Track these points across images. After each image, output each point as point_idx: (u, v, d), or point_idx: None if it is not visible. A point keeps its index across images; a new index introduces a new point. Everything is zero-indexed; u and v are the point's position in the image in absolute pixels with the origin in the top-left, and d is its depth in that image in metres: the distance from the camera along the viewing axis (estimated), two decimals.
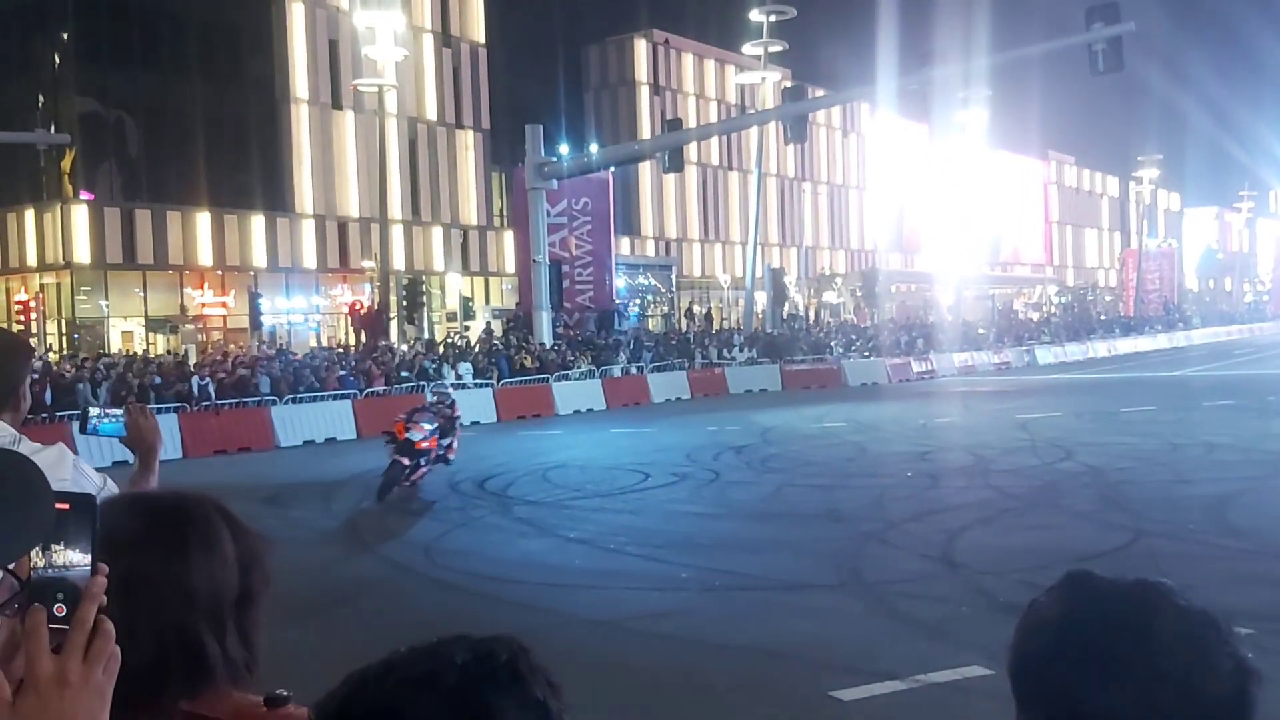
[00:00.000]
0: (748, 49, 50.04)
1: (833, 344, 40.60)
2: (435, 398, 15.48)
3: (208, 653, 1.29)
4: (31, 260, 40.65)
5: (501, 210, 52.79)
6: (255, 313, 37.15)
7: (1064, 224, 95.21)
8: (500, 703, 1.02)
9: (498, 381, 27.62)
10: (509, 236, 47.17)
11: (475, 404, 24.74)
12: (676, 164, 33.67)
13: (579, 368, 30.69)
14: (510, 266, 47.01)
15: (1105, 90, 75.56)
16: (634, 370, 32.38)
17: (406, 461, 13.86)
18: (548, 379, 28.64)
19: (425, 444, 14.04)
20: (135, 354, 31.29)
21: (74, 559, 1.04)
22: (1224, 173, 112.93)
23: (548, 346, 31.91)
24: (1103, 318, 67.68)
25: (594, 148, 46.40)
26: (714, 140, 60.90)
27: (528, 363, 29.64)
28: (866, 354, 39.59)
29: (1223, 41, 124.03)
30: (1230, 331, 67.20)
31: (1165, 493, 12.88)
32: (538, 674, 1.06)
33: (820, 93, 44.87)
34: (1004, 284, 75.10)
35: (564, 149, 41.01)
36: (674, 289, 56.15)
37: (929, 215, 73.42)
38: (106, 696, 1.03)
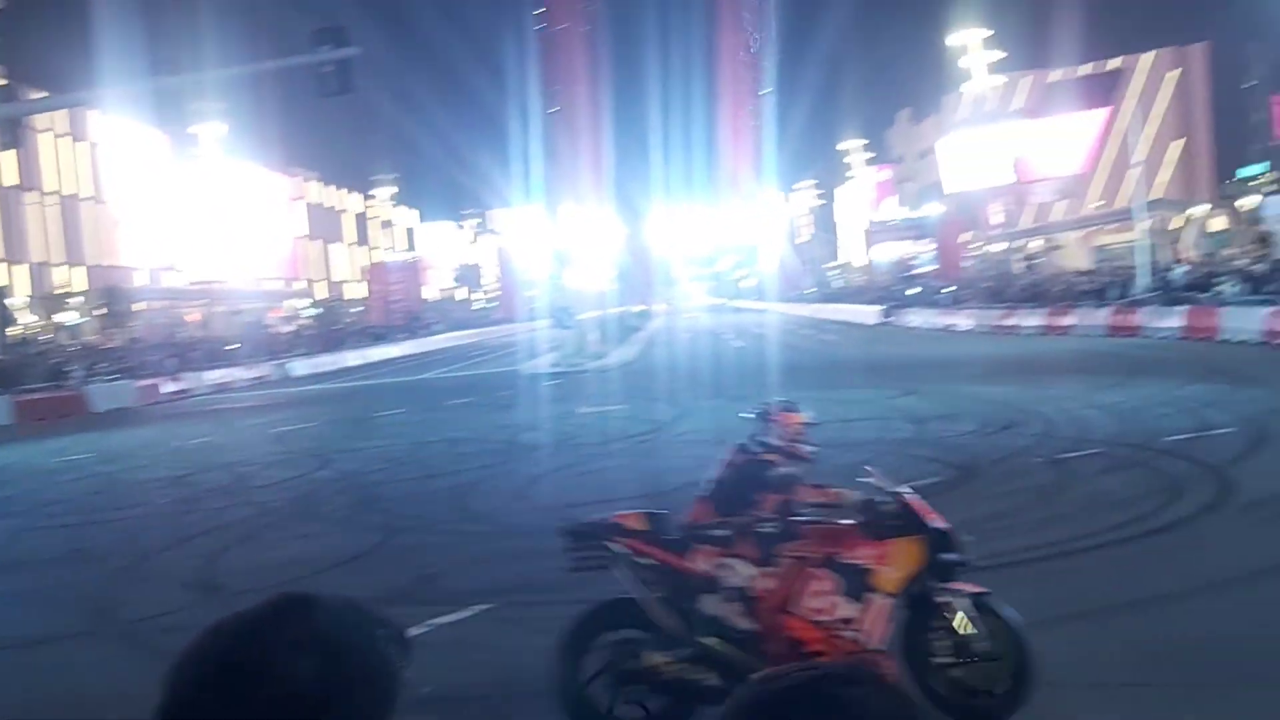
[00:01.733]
0: None
1: (73, 368, 37.16)
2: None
3: None
4: None
5: None
6: None
7: (312, 239, 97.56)
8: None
9: None
10: None
11: None
12: None
13: None
14: None
15: (346, 110, 78.98)
16: None
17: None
18: None
19: None
20: None
21: None
22: (454, 192, 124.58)
23: None
24: (354, 328, 70.67)
25: None
26: None
27: None
28: (113, 377, 36.91)
29: (448, 75, 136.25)
30: (467, 336, 74.26)
31: (415, 489, 13.86)
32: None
33: (39, 95, 40.64)
34: (256, 298, 74.80)
35: None
36: None
37: (175, 229, 70.54)
38: None
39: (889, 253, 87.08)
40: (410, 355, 57.21)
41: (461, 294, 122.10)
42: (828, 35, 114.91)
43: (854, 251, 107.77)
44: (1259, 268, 30.91)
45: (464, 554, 10.03)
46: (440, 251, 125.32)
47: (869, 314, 56.47)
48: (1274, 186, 69.10)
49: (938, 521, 5.24)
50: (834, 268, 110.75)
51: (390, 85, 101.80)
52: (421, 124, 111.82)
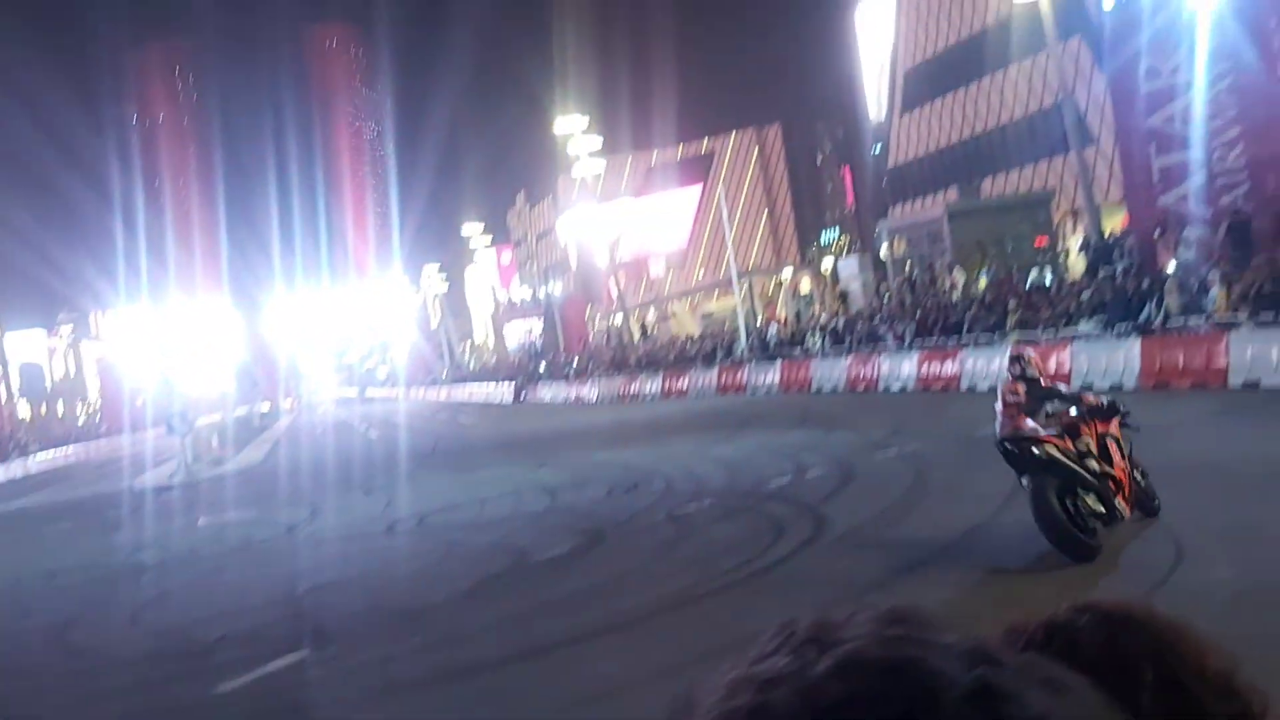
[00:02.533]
0: None
1: None
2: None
3: None
4: None
5: None
6: None
7: None
8: None
9: None
10: None
11: None
12: None
13: None
14: None
15: None
16: None
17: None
18: None
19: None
20: None
21: None
22: (45, 297, 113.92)
23: None
24: None
25: None
26: None
27: None
28: None
29: (32, 175, 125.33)
30: (70, 453, 67.54)
31: (5, 629, 12.39)
32: None
33: None
34: None
35: None
36: None
37: None
38: None
39: (518, 331, 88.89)
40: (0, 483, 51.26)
41: (60, 408, 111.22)
42: (442, 123, 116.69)
43: (485, 332, 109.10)
44: (839, 322, 34.41)
45: (70, 694, 9.10)
46: (31, 363, 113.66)
47: (503, 392, 57.17)
48: (846, 250, 77.56)
49: (1123, 406, 9.25)
50: (466, 350, 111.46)
51: None
52: (1, 226, 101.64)
